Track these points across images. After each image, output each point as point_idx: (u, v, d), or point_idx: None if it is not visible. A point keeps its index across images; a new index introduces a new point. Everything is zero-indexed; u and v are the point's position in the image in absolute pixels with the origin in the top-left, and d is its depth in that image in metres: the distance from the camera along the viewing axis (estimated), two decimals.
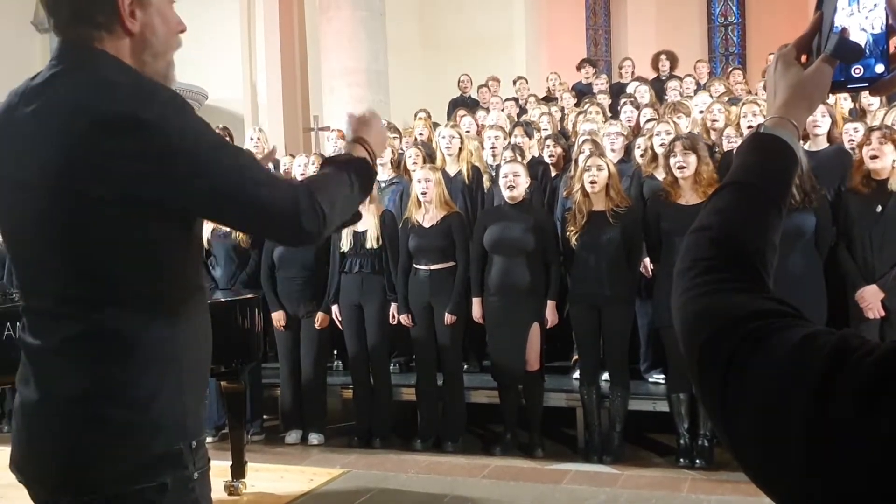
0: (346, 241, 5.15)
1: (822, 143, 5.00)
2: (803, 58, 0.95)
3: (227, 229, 5.35)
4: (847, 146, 5.02)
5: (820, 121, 4.90)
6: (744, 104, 5.31)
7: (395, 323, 5.20)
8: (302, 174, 6.12)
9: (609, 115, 7.46)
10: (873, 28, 0.90)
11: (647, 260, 4.93)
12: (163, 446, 1.39)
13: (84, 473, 1.37)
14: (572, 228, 4.69)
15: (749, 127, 4.98)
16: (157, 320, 1.39)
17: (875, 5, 0.90)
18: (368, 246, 5.11)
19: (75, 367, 1.36)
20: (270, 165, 7.08)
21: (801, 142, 0.96)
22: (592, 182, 4.63)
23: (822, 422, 0.60)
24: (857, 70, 0.91)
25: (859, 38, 0.90)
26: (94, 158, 1.29)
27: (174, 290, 1.43)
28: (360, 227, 5.14)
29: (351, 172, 1.52)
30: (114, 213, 1.32)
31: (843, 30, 0.90)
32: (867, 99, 6.01)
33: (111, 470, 1.37)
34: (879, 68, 0.90)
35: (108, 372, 1.37)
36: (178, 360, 1.43)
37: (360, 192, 1.55)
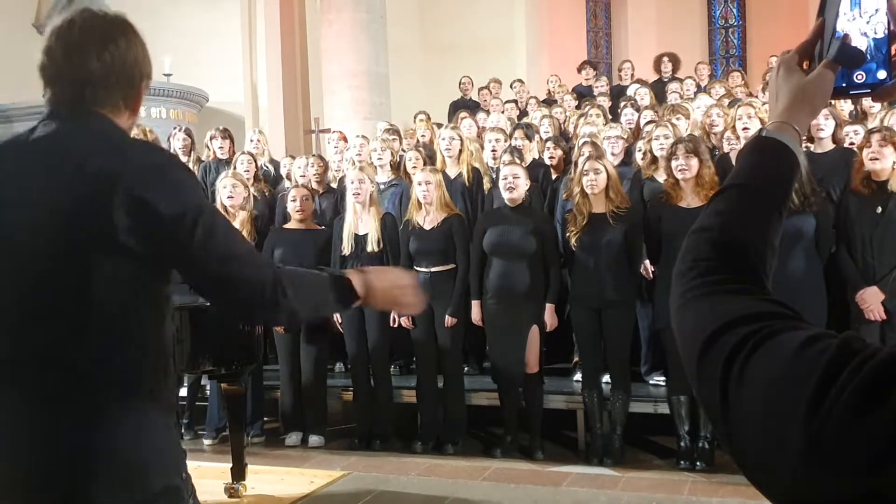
0: (346, 245, 5.14)
1: (828, 145, 5.02)
2: (805, 64, 0.95)
3: None
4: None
5: (823, 124, 4.90)
6: (739, 106, 5.30)
7: (395, 325, 5.20)
8: (302, 176, 6.13)
9: (609, 117, 7.47)
10: (875, 33, 0.90)
11: (647, 262, 4.93)
12: (162, 484, 1.44)
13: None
14: (572, 230, 4.69)
15: (744, 129, 4.98)
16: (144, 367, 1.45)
17: (877, 10, 0.90)
18: (369, 249, 5.10)
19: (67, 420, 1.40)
20: (270, 167, 7.09)
21: (808, 144, 0.97)
22: (592, 185, 4.63)
23: (822, 424, 0.60)
24: (859, 76, 0.91)
25: (861, 42, 0.90)
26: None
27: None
28: (360, 230, 5.14)
29: (335, 288, 1.56)
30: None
31: (845, 35, 0.90)
32: (868, 101, 6.01)
33: None
34: (882, 74, 0.90)
35: (107, 417, 1.40)
36: (162, 398, 1.50)
37: (332, 305, 1.60)
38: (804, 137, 0.95)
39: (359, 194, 5.11)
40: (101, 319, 1.39)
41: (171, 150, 6.95)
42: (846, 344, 0.64)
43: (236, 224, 5.37)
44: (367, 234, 5.12)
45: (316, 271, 1.63)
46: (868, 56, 0.90)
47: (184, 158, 6.79)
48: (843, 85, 0.92)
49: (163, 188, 1.39)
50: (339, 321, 5.25)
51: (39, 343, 1.40)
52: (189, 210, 1.40)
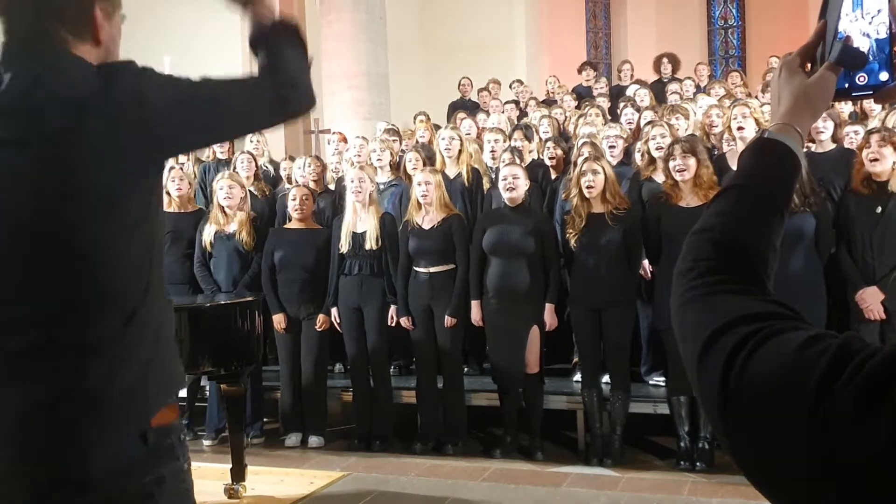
0: (344, 243, 5.14)
1: (828, 145, 5.04)
2: (807, 66, 0.95)
3: (231, 231, 5.36)
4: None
5: (823, 126, 4.91)
6: (734, 106, 5.30)
7: (393, 325, 5.19)
8: (302, 177, 6.13)
9: (608, 117, 7.47)
10: (878, 34, 0.90)
11: (645, 262, 4.93)
12: (157, 434, 1.45)
13: (85, 470, 1.39)
14: (571, 231, 4.70)
15: (739, 128, 4.98)
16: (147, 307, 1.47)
17: (879, 11, 0.90)
18: (368, 247, 5.10)
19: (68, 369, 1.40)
20: (270, 167, 7.10)
21: (809, 144, 0.97)
22: (589, 188, 4.63)
23: (822, 423, 0.60)
24: (861, 78, 0.91)
25: (862, 43, 0.90)
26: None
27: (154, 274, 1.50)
28: (359, 228, 5.14)
29: (291, 43, 1.62)
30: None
31: (847, 37, 0.90)
32: (868, 102, 6.02)
33: (111, 465, 1.40)
34: (884, 76, 0.90)
35: (106, 370, 1.41)
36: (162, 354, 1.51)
37: (303, 54, 1.64)
38: (805, 139, 0.95)
39: (359, 192, 5.11)
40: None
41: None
42: (846, 344, 0.64)
43: (234, 224, 5.38)
44: (365, 232, 5.11)
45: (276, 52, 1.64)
46: (870, 57, 0.90)
47: (184, 158, 6.80)
48: (846, 86, 0.92)
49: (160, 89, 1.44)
50: (339, 322, 5.25)
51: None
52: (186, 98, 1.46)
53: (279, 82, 1.54)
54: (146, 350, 1.46)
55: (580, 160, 4.93)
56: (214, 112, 1.51)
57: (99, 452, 1.39)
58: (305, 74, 1.61)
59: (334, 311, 5.25)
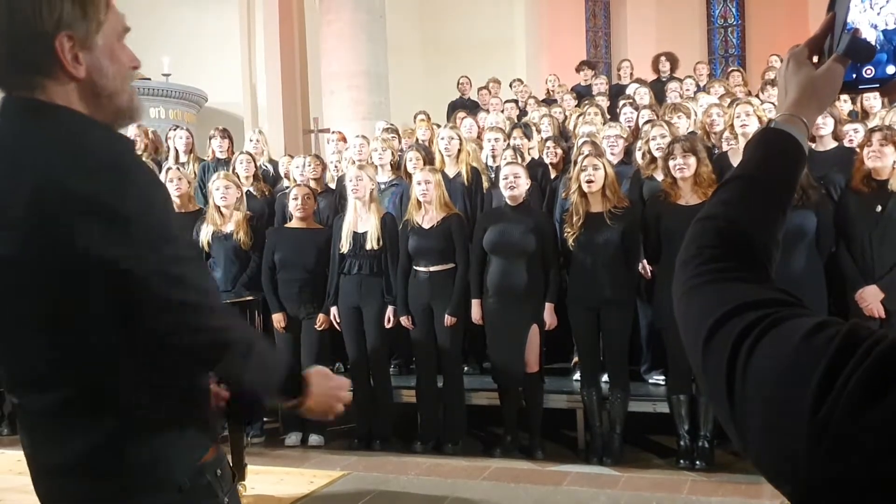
0: (345, 242, 5.14)
1: (829, 143, 5.04)
2: (815, 58, 0.95)
3: (228, 231, 5.36)
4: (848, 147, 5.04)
5: (822, 122, 4.91)
6: (737, 105, 5.30)
7: (390, 326, 5.18)
8: (301, 176, 6.12)
9: (608, 116, 7.46)
10: (886, 24, 0.90)
11: (645, 261, 4.92)
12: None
13: None
14: (569, 230, 4.69)
15: (743, 126, 4.98)
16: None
17: (888, 1, 0.89)
18: (368, 247, 5.10)
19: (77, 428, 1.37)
20: (269, 167, 7.09)
21: (809, 143, 0.97)
22: (589, 181, 4.62)
23: (829, 413, 0.60)
24: (868, 70, 0.91)
25: (870, 34, 0.90)
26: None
27: None
28: (360, 228, 5.14)
29: (277, 385, 1.49)
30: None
31: (856, 30, 0.90)
32: (868, 101, 6.02)
33: None
34: (891, 69, 0.90)
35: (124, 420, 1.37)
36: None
37: (274, 391, 1.51)
38: (812, 131, 0.95)
39: (357, 190, 5.11)
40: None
41: (172, 149, 6.95)
42: (853, 332, 0.64)
43: (231, 224, 5.37)
44: (366, 232, 5.11)
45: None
46: (878, 47, 0.90)
47: (184, 158, 6.80)
48: (853, 78, 0.92)
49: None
50: (338, 321, 5.24)
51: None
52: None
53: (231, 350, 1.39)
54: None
55: (581, 158, 4.93)
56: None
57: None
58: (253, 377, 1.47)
59: (334, 310, 5.25)
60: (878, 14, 0.89)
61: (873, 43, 0.90)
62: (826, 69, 0.92)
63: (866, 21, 0.90)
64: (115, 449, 1.34)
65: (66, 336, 1.31)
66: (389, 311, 5.17)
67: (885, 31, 0.90)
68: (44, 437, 1.37)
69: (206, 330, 1.35)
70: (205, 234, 5.37)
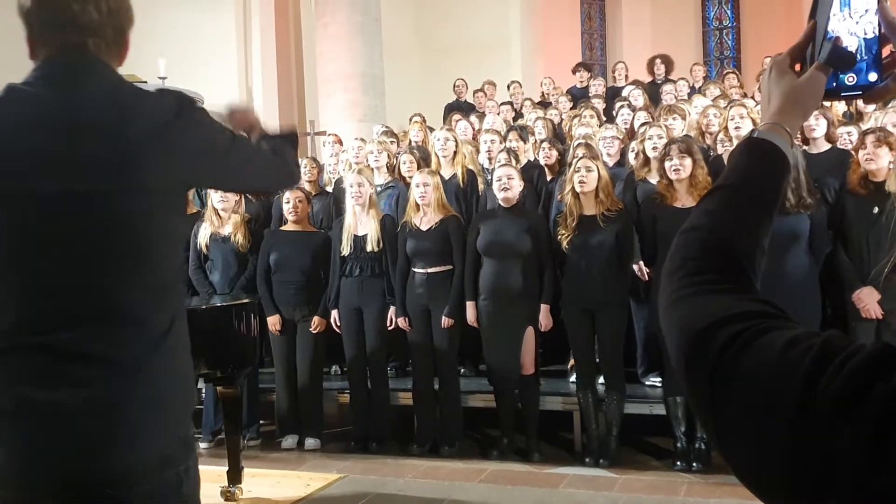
0: (346, 245, 5.14)
1: (823, 145, 5.04)
2: (797, 66, 0.95)
3: (227, 233, 5.36)
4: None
5: (815, 124, 4.92)
6: (732, 107, 5.31)
7: (392, 327, 5.19)
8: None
9: (604, 118, 7.47)
10: (865, 33, 0.90)
11: (641, 263, 4.92)
12: (185, 431, 1.58)
13: (139, 463, 1.49)
14: (563, 232, 4.70)
15: (737, 128, 4.99)
16: (180, 309, 1.64)
17: (867, 10, 0.90)
18: (369, 249, 5.10)
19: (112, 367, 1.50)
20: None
21: (802, 146, 0.97)
22: (581, 182, 4.63)
23: (805, 423, 0.61)
24: (850, 78, 0.92)
25: (851, 43, 0.91)
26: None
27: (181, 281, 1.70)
28: (360, 231, 5.14)
29: (290, 142, 1.90)
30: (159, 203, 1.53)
31: (837, 38, 0.91)
32: (863, 103, 6.02)
33: (143, 459, 1.50)
34: (872, 76, 0.91)
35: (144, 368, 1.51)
36: (187, 346, 1.69)
37: (296, 147, 1.94)
38: (797, 139, 0.96)
39: (359, 197, 5.12)
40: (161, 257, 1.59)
41: None
42: (828, 343, 0.64)
43: (229, 227, 5.37)
44: (366, 235, 5.12)
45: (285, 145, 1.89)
46: (859, 57, 0.91)
47: None
48: (834, 86, 0.93)
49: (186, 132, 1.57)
50: (338, 323, 5.24)
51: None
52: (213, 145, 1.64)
53: (291, 163, 1.87)
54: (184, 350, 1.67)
55: (575, 160, 4.94)
56: (236, 167, 1.73)
57: (150, 448, 1.51)
58: (298, 164, 1.98)
59: (335, 313, 5.25)
60: (857, 23, 0.90)
61: (854, 51, 0.90)
62: (808, 77, 0.92)
63: (846, 29, 0.91)
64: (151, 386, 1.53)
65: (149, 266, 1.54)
66: (391, 311, 5.17)
67: (865, 40, 0.90)
68: (64, 377, 1.46)
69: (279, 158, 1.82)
70: (203, 236, 5.37)
